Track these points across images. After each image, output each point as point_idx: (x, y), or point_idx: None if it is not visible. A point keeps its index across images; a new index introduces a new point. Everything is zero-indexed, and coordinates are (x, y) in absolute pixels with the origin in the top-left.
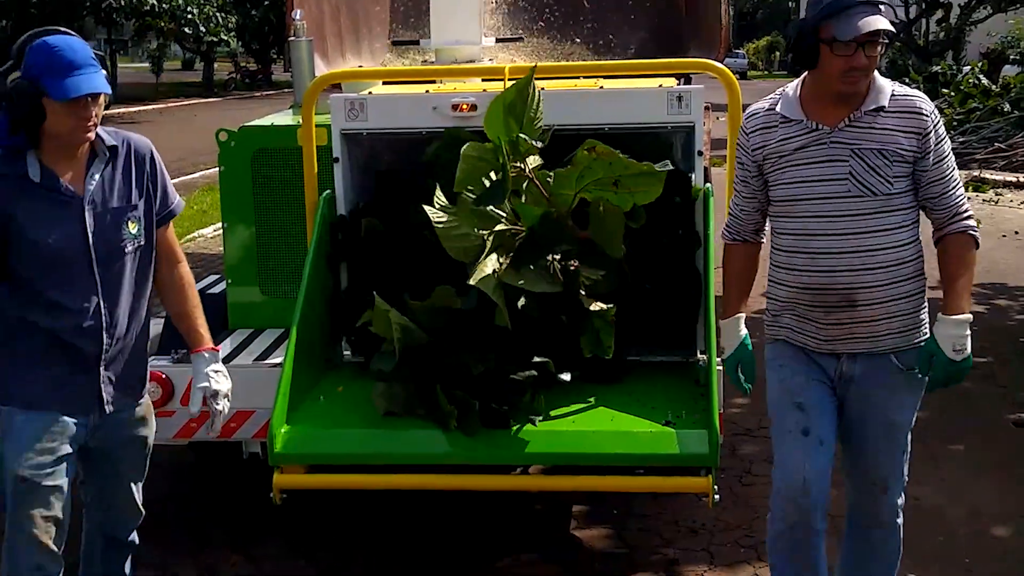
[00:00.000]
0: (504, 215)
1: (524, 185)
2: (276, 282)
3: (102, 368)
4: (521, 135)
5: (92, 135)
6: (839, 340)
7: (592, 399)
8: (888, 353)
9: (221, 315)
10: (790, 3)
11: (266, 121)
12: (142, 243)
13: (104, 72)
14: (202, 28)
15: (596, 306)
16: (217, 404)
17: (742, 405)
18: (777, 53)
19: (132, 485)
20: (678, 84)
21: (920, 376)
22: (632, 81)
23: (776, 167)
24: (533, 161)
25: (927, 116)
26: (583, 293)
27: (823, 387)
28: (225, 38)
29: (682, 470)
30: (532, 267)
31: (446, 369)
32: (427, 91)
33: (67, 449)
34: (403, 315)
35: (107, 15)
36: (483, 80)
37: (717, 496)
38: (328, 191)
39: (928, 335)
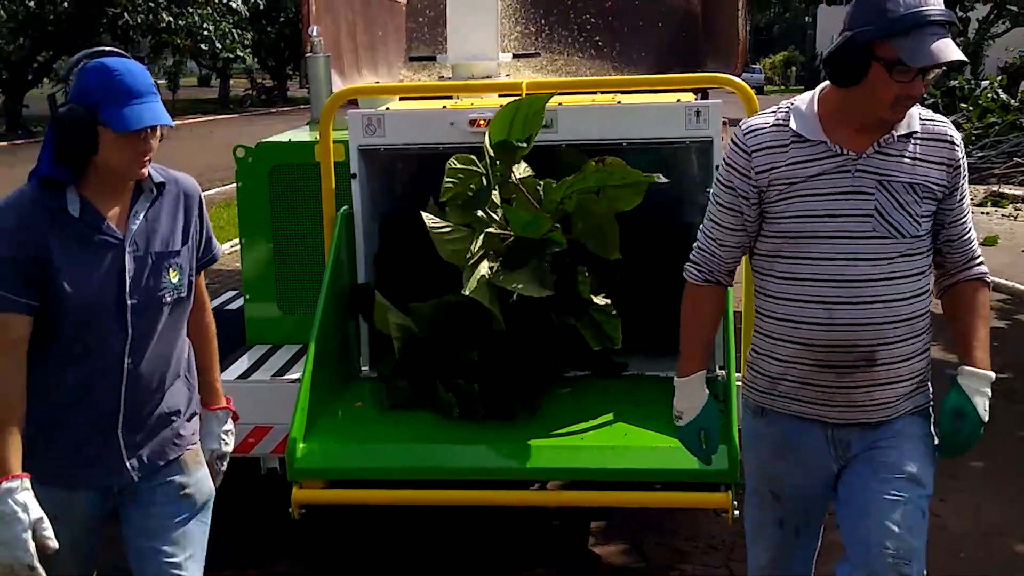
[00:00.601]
0: (495, 220)
1: (513, 193)
2: (294, 298)
3: (120, 432)
4: (512, 140)
5: (146, 171)
6: (850, 407)
7: (611, 414)
8: (894, 419)
9: (239, 331)
10: (807, 18)
11: (283, 137)
12: (182, 294)
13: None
14: (218, 45)
15: (599, 299)
16: (222, 466)
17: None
18: (794, 68)
19: (176, 559)
20: (696, 99)
21: (937, 439)
22: (650, 96)
23: (784, 196)
24: (520, 170)
25: (958, 147)
26: (582, 288)
27: (813, 470)
28: (241, 54)
29: (701, 486)
30: (523, 270)
31: (445, 361)
32: (444, 107)
33: (81, 527)
34: (404, 314)
35: (123, 32)
36: (500, 96)
37: (736, 512)
38: (346, 207)
39: (929, 397)
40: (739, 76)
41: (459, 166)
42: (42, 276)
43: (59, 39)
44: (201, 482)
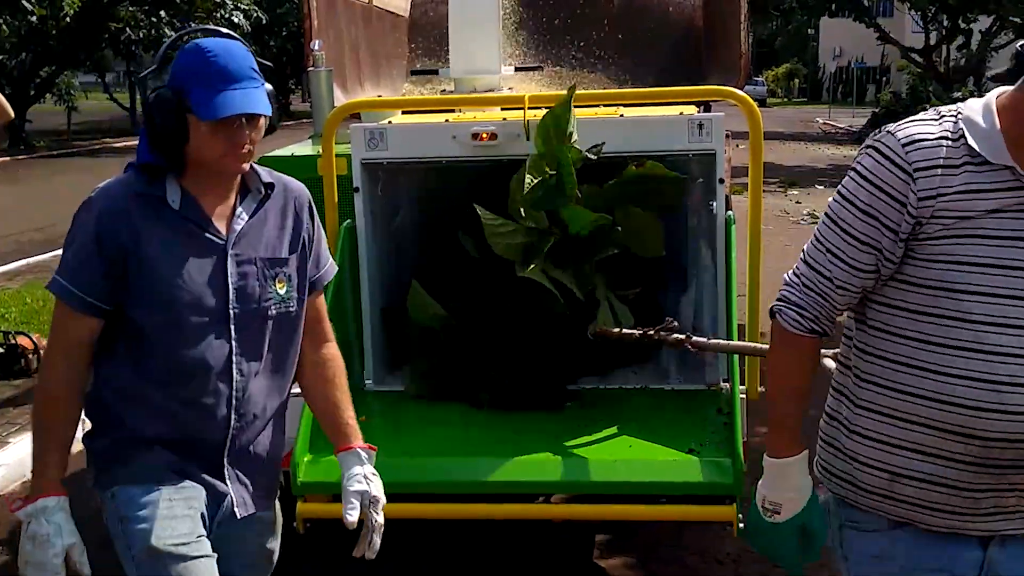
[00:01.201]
0: (539, 223)
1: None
2: None
3: (226, 460)
4: (570, 145)
5: (246, 166)
6: (1001, 515)
7: (615, 427)
8: None
9: None
10: (809, 31)
11: (286, 151)
12: (292, 308)
13: (267, 87)
14: None
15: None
16: (378, 515)
17: (766, 434)
18: (796, 80)
19: None
20: (698, 112)
21: None
22: (653, 109)
23: (947, 234)
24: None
25: None
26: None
27: None
28: None
29: (706, 499)
30: (571, 268)
31: (479, 354)
32: (447, 120)
33: (202, 521)
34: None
35: (126, 47)
36: (502, 109)
37: (742, 524)
38: (349, 221)
39: None
40: (742, 89)
41: (534, 164)
42: (128, 273)
43: (61, 54)
44: (280, 526)
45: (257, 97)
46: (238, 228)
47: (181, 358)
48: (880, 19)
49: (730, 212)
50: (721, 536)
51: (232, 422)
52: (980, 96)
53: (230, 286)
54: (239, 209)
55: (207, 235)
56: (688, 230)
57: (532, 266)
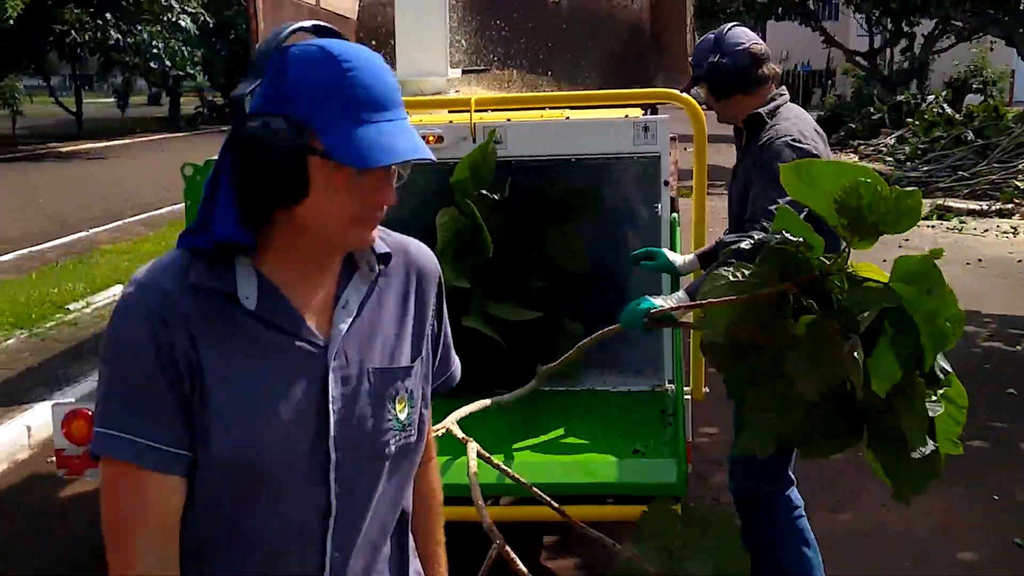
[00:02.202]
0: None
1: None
2: None
3: None
4: (483, 192)
5: (376, 238)
6: None
7: (561, 429)
8: None
9: None
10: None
11: None
12: (411, 438)
13: None
14: (168, 63)
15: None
16: None
17: (711, 434)
18: None
19: None
20: (644, 114)
21: None
22: (598, 112)
23: None
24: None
25: None
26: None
27: None
28: (192, 71)
29: (651, 499)
30: (509, 296)
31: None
32: None
33: None
34: None
35: (71, 50)
36: (449, 111)
37: None
38: None
39: None
40: (688, 92)
41: (447, 219)
42: (189, 399)
43: (5, 57)
44: None
45: (415, 135)
46: (343, 328)
47: (248, 533)
48: (825, 22)
49: (675, 214)
50: None
51: None
52: (923, 99)
53: (331, 418)
54: (344, 297)
55: (297, 343)
56: (633, 232)
57: (472, 314)
